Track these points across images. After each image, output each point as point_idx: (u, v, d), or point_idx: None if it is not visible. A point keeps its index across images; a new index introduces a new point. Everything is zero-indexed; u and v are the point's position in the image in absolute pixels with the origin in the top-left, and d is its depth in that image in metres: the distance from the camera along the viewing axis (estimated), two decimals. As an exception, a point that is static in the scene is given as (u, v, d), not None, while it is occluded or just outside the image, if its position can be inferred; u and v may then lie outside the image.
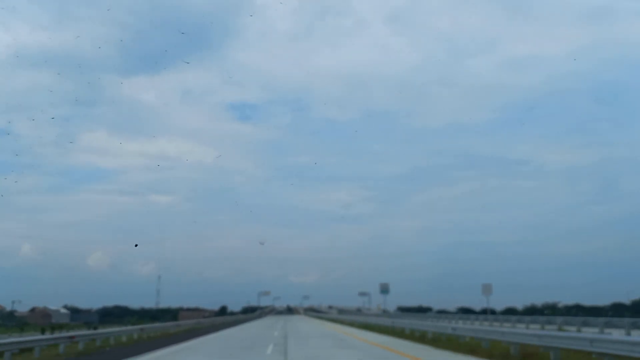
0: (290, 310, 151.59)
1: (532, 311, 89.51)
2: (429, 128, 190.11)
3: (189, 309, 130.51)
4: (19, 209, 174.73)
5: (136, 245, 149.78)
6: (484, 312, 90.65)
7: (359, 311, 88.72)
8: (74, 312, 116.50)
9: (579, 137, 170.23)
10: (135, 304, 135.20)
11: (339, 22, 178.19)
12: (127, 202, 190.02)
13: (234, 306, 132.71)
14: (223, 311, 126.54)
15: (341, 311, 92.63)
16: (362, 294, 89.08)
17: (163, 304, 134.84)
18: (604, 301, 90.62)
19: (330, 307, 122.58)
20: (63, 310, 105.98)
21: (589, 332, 27.46)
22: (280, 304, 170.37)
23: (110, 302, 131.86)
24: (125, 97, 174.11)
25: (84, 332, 30.07)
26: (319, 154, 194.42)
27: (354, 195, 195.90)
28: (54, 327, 54.27)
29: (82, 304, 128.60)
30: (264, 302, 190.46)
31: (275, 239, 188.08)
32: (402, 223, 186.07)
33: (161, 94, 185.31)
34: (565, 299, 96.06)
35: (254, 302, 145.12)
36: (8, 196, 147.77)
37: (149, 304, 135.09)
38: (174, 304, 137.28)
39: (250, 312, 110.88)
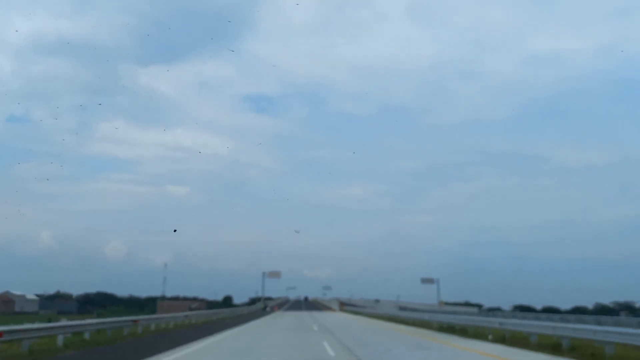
0: (307, 302, 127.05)
1: (603, 311, 74.53)
2: (448, 124, 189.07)
3: (172, 298, 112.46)
4: (37, 197, 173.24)
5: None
6: (547, 310, 74.64)
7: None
8: (48, 299, 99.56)
9: (600, 135, 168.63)
10: (144, 292, 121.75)
11: (358, 14, 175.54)
12: (143, 192, 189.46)
13: (243, 297, 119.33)
14: (227, 302, 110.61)
15: (404, 308, 65.08)
16: (426, 280, 68.20)
17: (170, 293, 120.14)
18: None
19: (377, 301, 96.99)
20: (30, 297, 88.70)
21: None
22: (297, 295, 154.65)
23: (123, 292, 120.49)
24: (142, 87, 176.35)
25: None
26: (336, 148, 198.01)
27: (370, 191, 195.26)
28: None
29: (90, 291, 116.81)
30: (273, 290, 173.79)
31: (291, 232, 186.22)
32: (419, 219, 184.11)
33: (178, 85, 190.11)
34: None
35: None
36: (26, 183, 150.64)
37: (157, 292, 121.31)
38: (181, 293, 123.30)
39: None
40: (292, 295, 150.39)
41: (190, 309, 54.12)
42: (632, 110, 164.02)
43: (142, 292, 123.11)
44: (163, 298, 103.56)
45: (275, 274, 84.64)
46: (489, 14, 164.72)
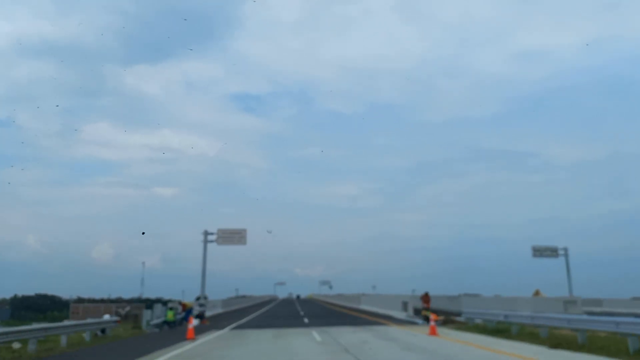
0: (301, 302, 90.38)
1: None
2: (436, 120, 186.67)
3: (90, 300, 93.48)
4: (23, 201, 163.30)
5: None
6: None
7: None
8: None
9: (588, 131, 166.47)
10: (126, 295, 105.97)
11: (345, 11, 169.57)
12: (131, 195, 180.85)
13: (225, 297, 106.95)
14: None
15: (592, 312, 37.38)
16: (543, 251, 49.25)
17: (152, 295, 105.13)
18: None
19: (463, 296, 52.51)
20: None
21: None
22: (289, 293, 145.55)
23: (113, 294, 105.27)
24: (128, 87, 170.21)
25: None
26: (325, 146, 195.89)
27: (360, 189, 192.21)
28: None
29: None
30: (257, 287, 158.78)
31: (281, 232, 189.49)
32: (409, 216, 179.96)
33: (164, 85, 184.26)
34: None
35: (245, 291, 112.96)
36: (12, 187, 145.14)
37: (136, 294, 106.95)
38: (159, 295, 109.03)
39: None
40: (283, 294, 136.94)
41: (118, 314, 38.44)
42: (621, 106, 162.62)
43: (125, 295, 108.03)
44: (80, 300, 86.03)
45: (232, 235, 39.13)
46: (475, 9, 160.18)
